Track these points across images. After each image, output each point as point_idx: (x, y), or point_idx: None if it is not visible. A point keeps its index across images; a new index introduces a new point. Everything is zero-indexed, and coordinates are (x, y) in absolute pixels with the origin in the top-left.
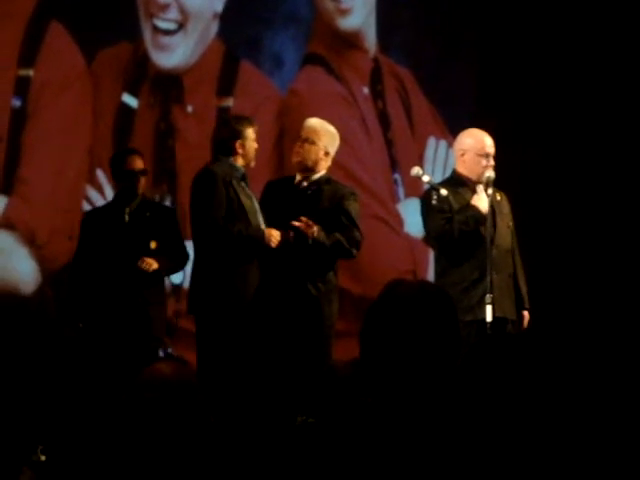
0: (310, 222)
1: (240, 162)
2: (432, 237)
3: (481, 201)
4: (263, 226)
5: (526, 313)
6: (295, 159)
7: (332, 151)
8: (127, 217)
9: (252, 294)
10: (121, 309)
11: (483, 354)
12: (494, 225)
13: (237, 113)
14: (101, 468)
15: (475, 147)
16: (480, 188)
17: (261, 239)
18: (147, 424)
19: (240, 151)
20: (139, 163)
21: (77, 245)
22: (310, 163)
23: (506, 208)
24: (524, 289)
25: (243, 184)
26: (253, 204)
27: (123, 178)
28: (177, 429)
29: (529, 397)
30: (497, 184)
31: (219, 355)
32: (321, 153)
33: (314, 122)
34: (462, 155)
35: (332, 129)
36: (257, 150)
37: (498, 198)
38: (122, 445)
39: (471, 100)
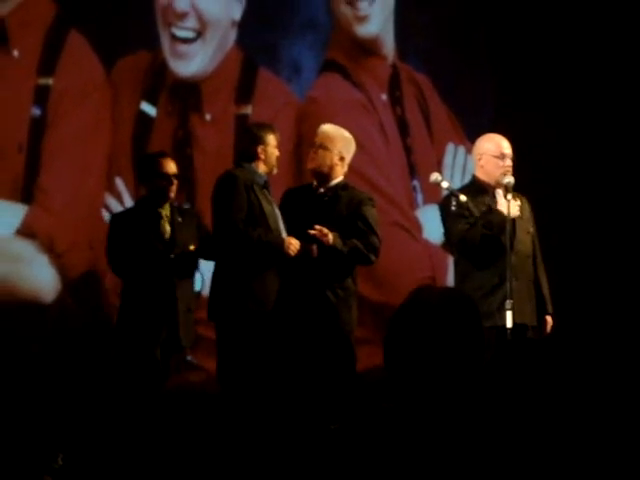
0: (325, 230)
1: (262, 168)
2: (454, 242)
3: (503, 206)
4: (284, 234)
5: (549, 318)
6: (310, 165)
7: (348, 156)
8: (168, 226)
9: (271, 300)
10: (163, 315)
11: (503, 361)
12: (513, 231)
13: (256, 120)
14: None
15: (490, 149)
16: (499, 193)
17: (280, 246)
18: (175, 434)
19: (262, 156)
20: (172, 167)
21: (108, 248)
22: (325, 169)
23: (527, 213)
24: (547, 294)
25: (265, 191)
26: (274, 210)
27: (155, 181)
28: (204, 439)
29: (550, 403)
30: (517, 189)
31: (239, 362)
32: (336, 159)
33: (328, 128)
34: (479, 160)
35: (346, 134)
36: (278, 158)
37: (518, 203)
38: (149, 454)
39: (490, 106)
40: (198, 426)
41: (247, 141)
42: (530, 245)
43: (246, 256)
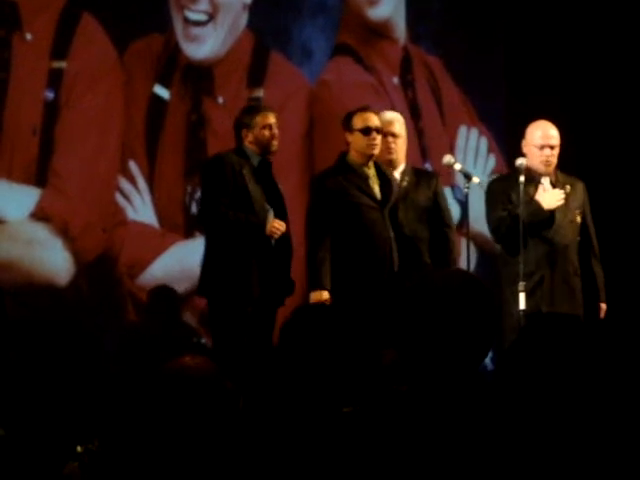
0: None
1: (254, 150)
2: (490, 228)
3: (544, 196)
4: (271, 217)
5: (603, 305)
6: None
7: None
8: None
9: (259, 277)
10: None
11: (520, 346)
12: (550, 220)
13: (257, 103)
14: (125, 461)
15: (532, 138)
16: (546, 181)
17: (261, 228)
18: (169, 418)
19: (247, 140)
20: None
21: None
22: None
23: (576, 201)
24: (600, 284)
25: (258, 173)
26: (262, 193)
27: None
28: (199, 423)
29: (565, 391)
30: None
31: (231, 338)
32: None
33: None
34: (525, 147)
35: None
36: (274, 135)
37: (567, 190)
38: (145, 438)
39: (502, 87)
40: (199, 411)
41: (235, 124)
42: (572, 235)
43: (227, 237)
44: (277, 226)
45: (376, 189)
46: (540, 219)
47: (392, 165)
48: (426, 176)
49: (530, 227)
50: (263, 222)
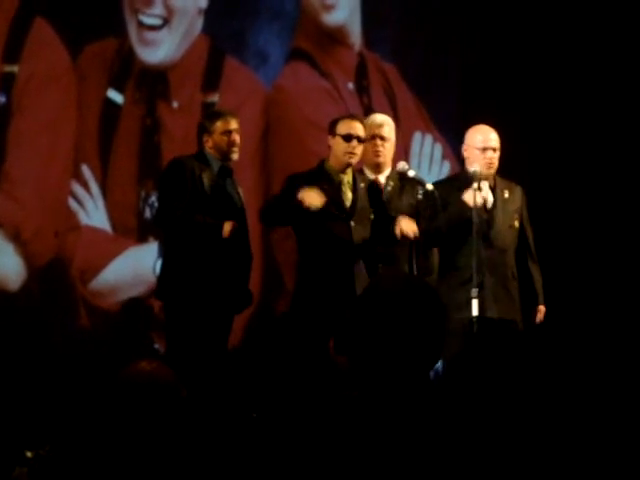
0: None
1: (215, 155)
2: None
3: (470, 196)
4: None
5: (541, 307)
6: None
7: None
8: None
9: (217, 279)
10: None
11: (469, 351)
12: (489, 223)
13: (221, 108)
14: (76, 467)
15: (473, 141)
16: (485, 185)
17: (219, 228)
18: (126, 422)
19: (208, 145)
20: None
21: None
22: None
23: (514, 205)
24: (538, 287)
25: (220, 178)
26: (221, 198)
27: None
28: (156, 427)
29: (513, 397)
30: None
31: (186, 342)
32: None
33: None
34: (465, 151)
35: None
36: (234, 142)
37: (506, 195)
38: (105, 442)
39: (457, 94)
40: (156, 416)
41: (198, 128)
42: (511, 239)
43: (185, 240)
44: (235, 225)
45: (348, 198)
46: (466, 218)
47: (379, 169)
48: (411, 182)
49: (460, 226)
50: (220, 222)
